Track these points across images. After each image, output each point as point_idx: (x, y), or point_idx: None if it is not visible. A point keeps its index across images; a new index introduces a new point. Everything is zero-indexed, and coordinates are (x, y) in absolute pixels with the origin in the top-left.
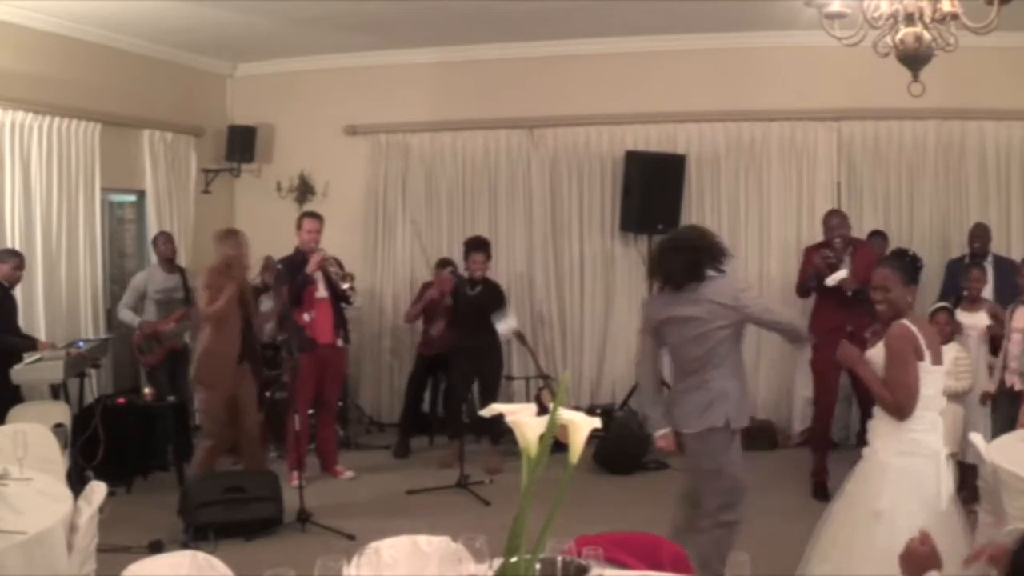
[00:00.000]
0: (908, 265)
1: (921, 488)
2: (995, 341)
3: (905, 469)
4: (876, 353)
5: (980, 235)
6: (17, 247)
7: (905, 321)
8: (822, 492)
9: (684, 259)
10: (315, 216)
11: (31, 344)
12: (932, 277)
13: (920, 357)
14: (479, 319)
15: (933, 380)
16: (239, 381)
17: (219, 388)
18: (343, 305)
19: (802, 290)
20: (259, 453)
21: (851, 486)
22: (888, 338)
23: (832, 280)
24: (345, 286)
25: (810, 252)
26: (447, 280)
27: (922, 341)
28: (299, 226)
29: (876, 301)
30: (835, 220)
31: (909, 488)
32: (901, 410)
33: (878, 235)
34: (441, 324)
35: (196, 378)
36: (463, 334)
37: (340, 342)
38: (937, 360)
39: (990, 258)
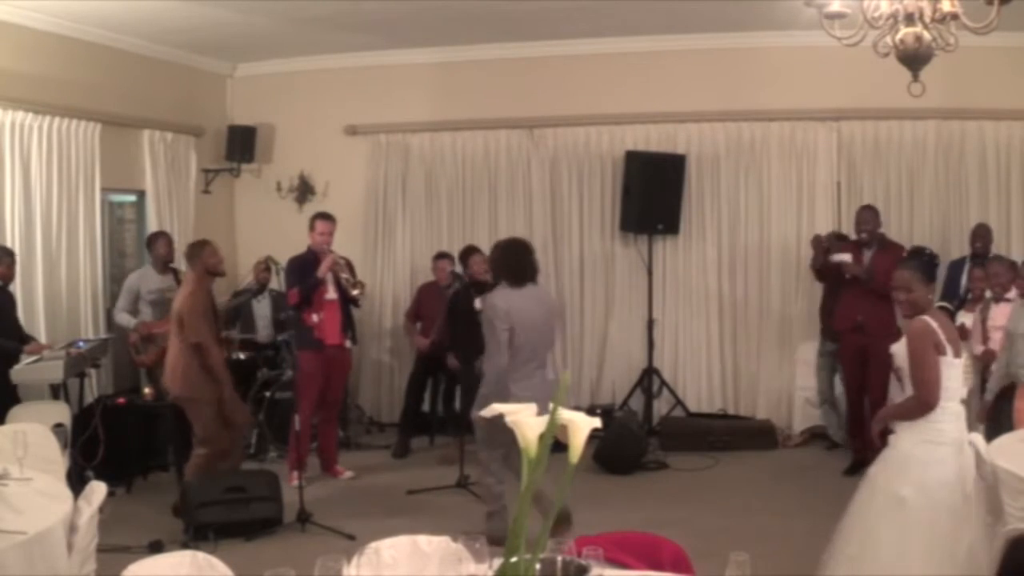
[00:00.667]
0: (926, 264)
1: (943, 477)
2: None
3: (927, 458)
4: (900, 347)
5: (982, 235)
6: (17, 247)
7: (925, 317)
8: (855, 469)
9: (534, 261)
10: (328, 218)
11: (18, 349)
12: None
13: (941, 351)
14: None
15: (955, 372)
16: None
17: (207, 396)
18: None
19: (816, 273)
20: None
21: (874, 470)
22: (908, 335)
23: (835, 258)
24: (355, 293)
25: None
26: (448, 271)
27: (942, 335)
28: (312, 227)
29: (898, 301)
30: (865, 215)
31: (931, 476)
32: (925, 405)
33: (868, 209)
34: (426, 341)
35: (184, 394)
36: (471, 339)
37: (348, 343)
38: (957, 353)
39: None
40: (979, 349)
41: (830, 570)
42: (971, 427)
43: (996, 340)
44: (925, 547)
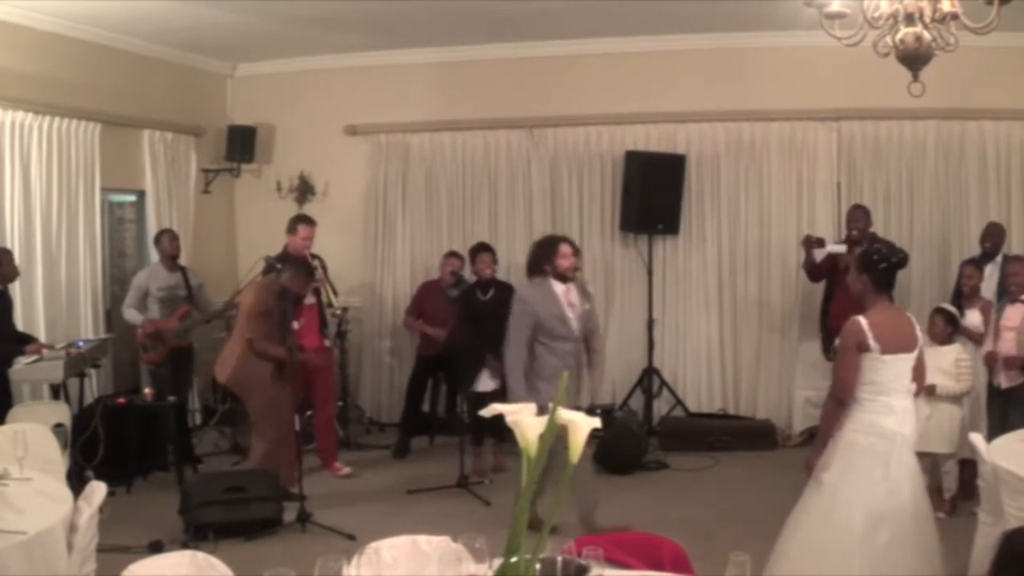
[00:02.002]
0: (863, 256)
1: (868, 465)
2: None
3: (856, 445)
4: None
5: (994, 234)
6: (17, 247)
7: (859, 317)
8: None
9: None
10: (312, 222)
11: (20, 350)
12: (933, 275)
13: (864, 349)
14: (493, 323)
15: (885, 367)
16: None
17: (264, 387)
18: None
19: (809, 274)
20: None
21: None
22: (842, 332)
23: (831, 248)
24: (337, 312)
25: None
26: (448, 272)
27: (869, 334)
28: (293, 230)
29: None
30: (856, 214)
31: (856, 463)
32: (837, 400)
33: (859, 208)
34: (441, 332)
35: (235, 382)
36: (477, 337)
37: (327, 342)
38: (892, 349)
39: (999, 257)
40: (985, 350)
41: (768, 567)
42: (970, 428)
43: (1007, 340)
44: (843, 536)
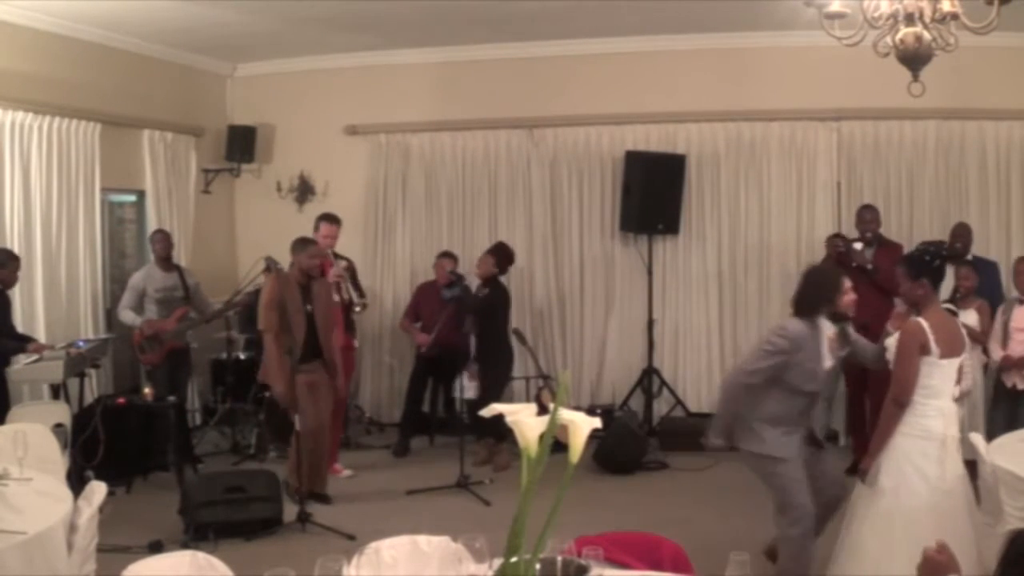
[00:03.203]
0: (915, 260)
1: (923, 468)
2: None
3: (910, 450)
4: (893, 342)
5: (962, 235)
6: (17, 247)
7: (919, 319)
8: (855, 469)
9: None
10: (334, 221)
11: (20, 348)
12: None
13: (926, 352)
14: (483, 321)
15: (940, 371)
16: (309, 379)
17: (286, 388)
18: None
19: None
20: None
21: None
22: (900, 334)
23: (856, 244)
24: (357, 309)
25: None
26: (446, 271)
27: (931, 337)
28: (316, 228)
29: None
30: (867, 215)
31: (911, 467)
32: (896, 400)
33: (869, 209)
34: (427, 338)
35: (263, 377)
36: (493, 331)
37: (356, 342)
38: (949, 353)
39: (969, 258)
40: (999, 353)
41: (832, 570)
42: (970, 428)
43: (1018, 341)
44: (906, 540)
